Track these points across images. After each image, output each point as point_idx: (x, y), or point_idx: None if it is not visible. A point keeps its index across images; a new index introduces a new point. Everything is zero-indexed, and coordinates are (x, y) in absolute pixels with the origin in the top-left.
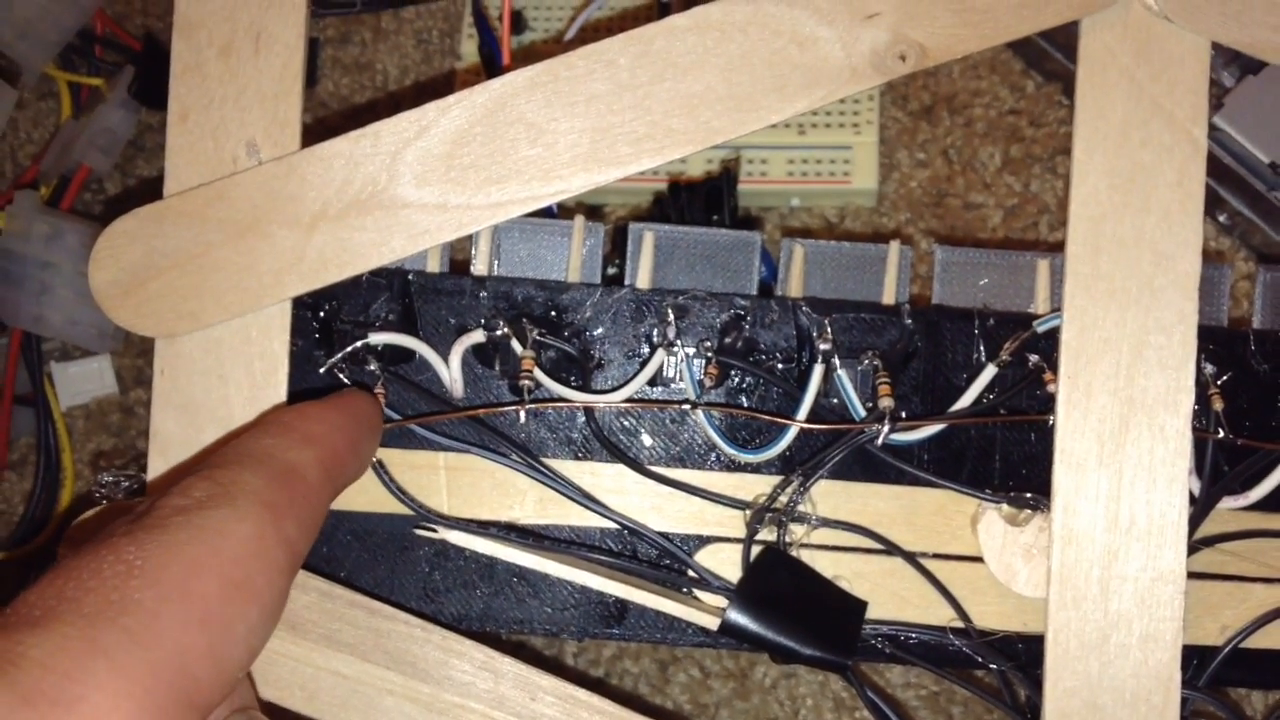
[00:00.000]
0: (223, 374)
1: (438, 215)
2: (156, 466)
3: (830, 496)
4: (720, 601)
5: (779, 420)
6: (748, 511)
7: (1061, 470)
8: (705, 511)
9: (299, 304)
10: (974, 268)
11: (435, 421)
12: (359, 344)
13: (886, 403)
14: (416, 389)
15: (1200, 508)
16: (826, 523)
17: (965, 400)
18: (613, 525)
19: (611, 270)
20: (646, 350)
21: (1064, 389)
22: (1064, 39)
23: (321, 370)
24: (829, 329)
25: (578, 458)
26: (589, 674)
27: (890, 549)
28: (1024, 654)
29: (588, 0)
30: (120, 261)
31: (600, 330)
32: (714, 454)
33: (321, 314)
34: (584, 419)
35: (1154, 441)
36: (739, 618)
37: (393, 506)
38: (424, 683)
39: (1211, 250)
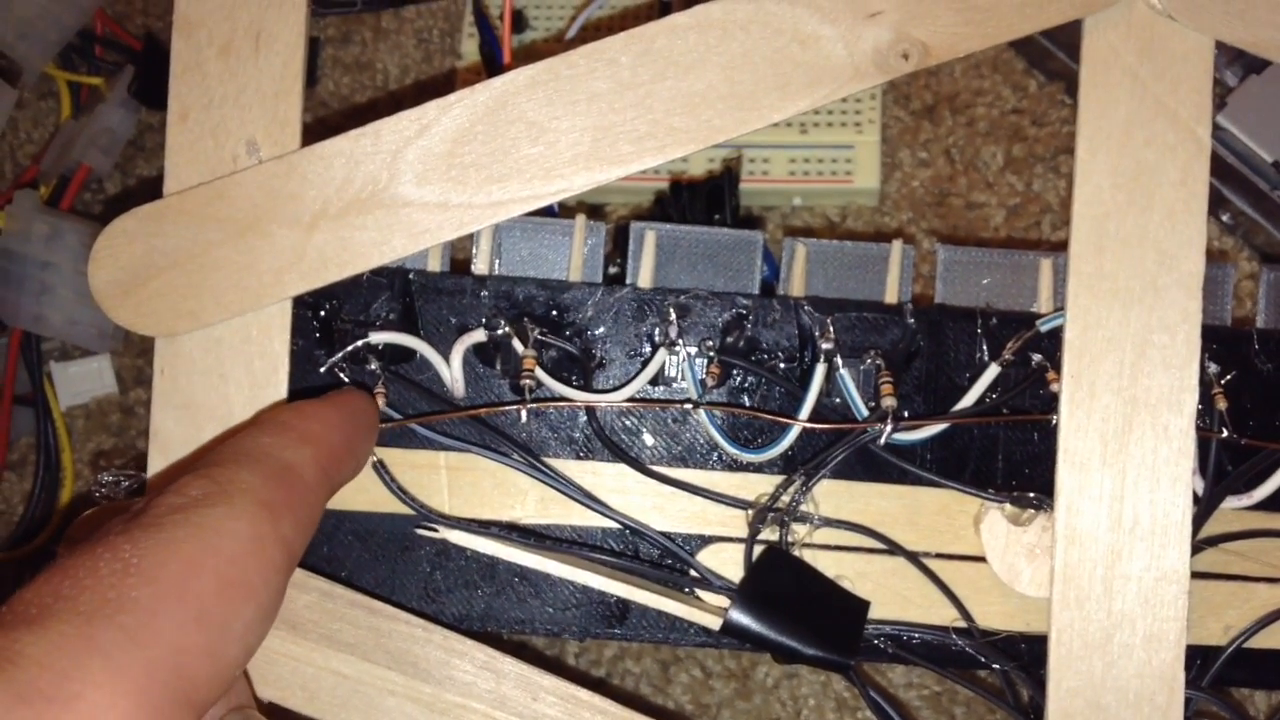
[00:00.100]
0: (223, 373)
1: (439, 214)
2: (157, 466)
3: (833, 496)
4: (722, 601)
5: (781, 420)
6: (750, 511)
7: (1065, 470)
8: (707, 511)
9: (299, 303)
10: (976, 267)
11: (436, 421)
12: (359, 343)
13: (889, 402)
14: (417, 388)
15: (1204, 507)
16: (829, 522)
17: (968, 400)
18: (614, 525)
19: (613, 269)
20: (648, 349)
21: (1067, 388)
22: (1066, 38)
23: (322, 370)
24: (831, 328)
25: (579, 457)
26: (591, 674)
27: (893, 549)
28: (1027, 654)
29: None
30: (120, 261)
31: (602, 329)
32: (716, 453)
33: (322, 313)
34: (586, 418)
35: (1158, 441)
36: (741, 618)
37: (394, 506)
38: (425, 683)
39: (1215, 250)
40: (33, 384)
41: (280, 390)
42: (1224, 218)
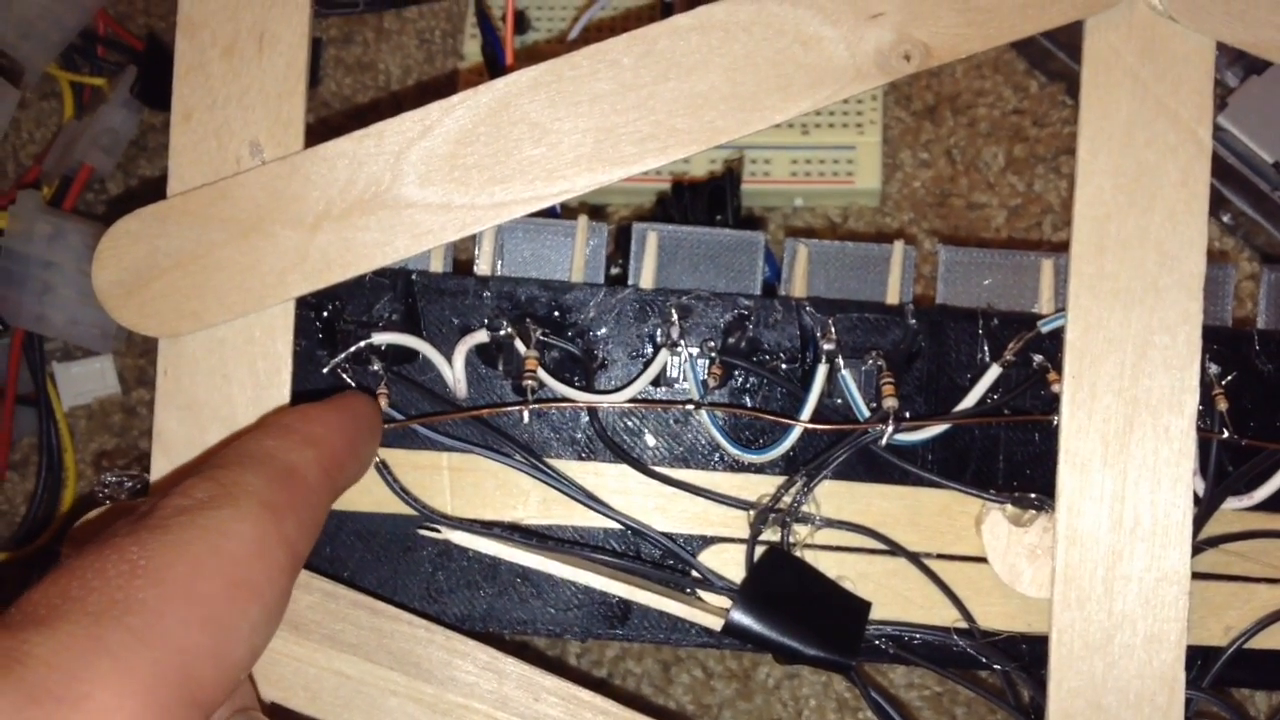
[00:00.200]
0: (226, 374)
1: (441, 215)
2: (160, 466)
3: (834, 497)
4: (724, 602)
5: (783, 420)
6: (751, 512)
7: (1066, 470)
8: (709, 512)
9: (302, 304)
10: (978, 268)
11: (438, 422)
12: (362, 344)
13: (890, 403)
14: (420, 389)
15: (1204, 508)
16: (830, 523)
17: (969, 400)
18: (616, 525)
19: (615, 270)
20: (650, 350)
21: (1068, 389)
22: (1068, 39)
23: (325, 370)
24: (833, 329)
25: (581, 458)
26: (592, 674)
27: (894, 549)
28: (1028, 654)
29: (591, 0)
30: (123, 261)
31: (604, 330)
32: (718, 454)
33: (325, 314)
34: (587, 419)
35: (1158, 442)
36: (742, 618)
37: (396, 507)
38: (427, 683)
39: (1215, 250)
40: (35, 384)
41: (283, 391)
42: (1225, 218)
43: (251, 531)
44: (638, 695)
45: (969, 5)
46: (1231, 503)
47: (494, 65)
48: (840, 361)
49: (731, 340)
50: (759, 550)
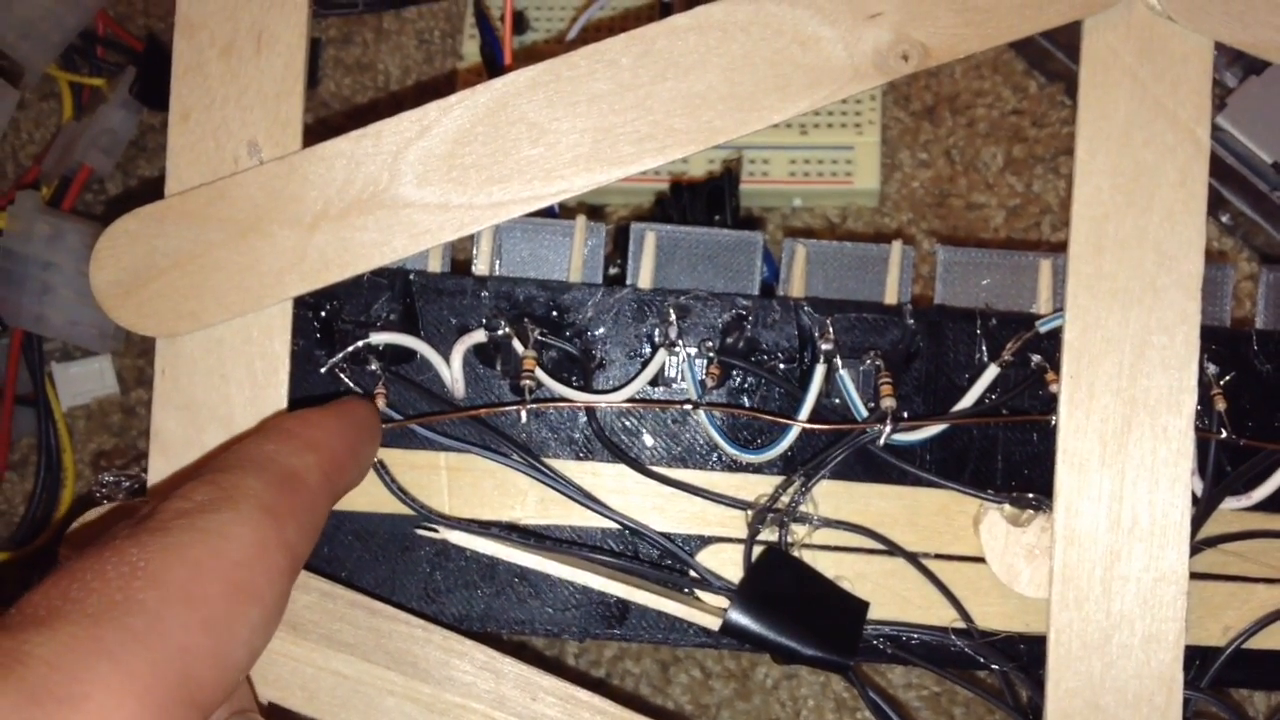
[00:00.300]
0: (224, 374)
1: (439, 215)
2: (157, 466)
3: (832, 497)
4: (722, 602)
5: (781, 420)
6: (749, 512)
7: (1064, 470)
8: (707, 512)
9: (300, 304)
10: (976, 268)
11: (436, 421)
12: (360, 344)
13: (888, 403)
14: (418, 389)
15: (1203, 508)
16: (828, 523)
17: (967, 400)
18: (614, 525)
19: (613, 270)
20: (648, 350)
21: (1066, 389)
22: (1066, 39)
23: (323, 370)
24: (831, 329)
25: (579, 458)
26: (590, 674)
27: (892, 549)
28: (1026, 654)
29: (590, 0)
30: (121, 261)
31: (602, 330)
32: (716, 454)
33: (323, 314)
34: (585, 419)
35: (1156, 442)
36: (740, 618)
37: (394, 507)
38: (425, 683)
39: (1214, 251)
40: (34, 384)
41: (281, 391)
42: (1223, 219)
43: (251, 535)
44: (636, 695)
45: (967, 5)
46: (1230, 503)
47: (492, 65)
48: (838, 361)
49: (729, 340)
50: (757, 550)
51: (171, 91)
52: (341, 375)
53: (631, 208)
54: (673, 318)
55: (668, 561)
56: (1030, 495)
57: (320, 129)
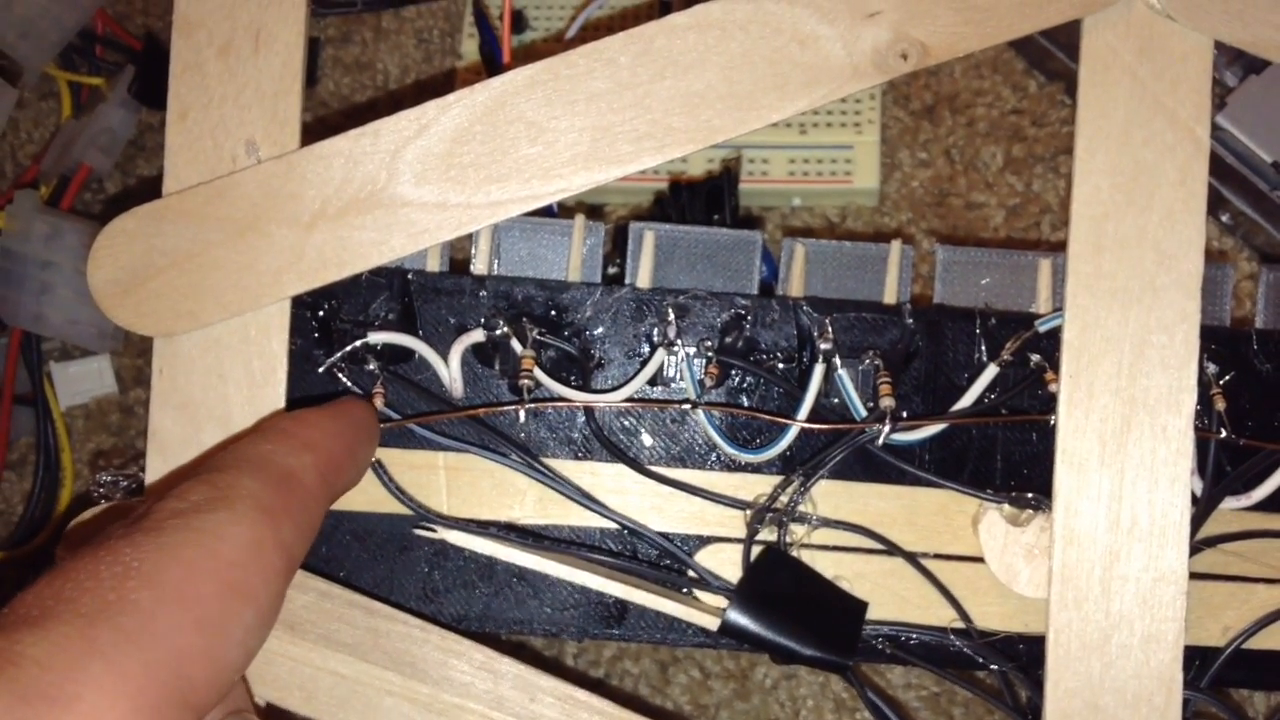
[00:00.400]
0: (222, 373)
1: (437, 214)
2: (155, 466)
3: (831, 496)
4: (720, 602)
5: (779, 420)
6: (748, 511)
7: (1063, 470)
8: (705, 511)
9: (298, 303)
10: (975, 267)
11: (435, 421)
12: (358, 343)
13: (887, 402)
14: (416, 388)
15: (1202, 508)
16: (827, 523)
17: (966, 400)
18: (613, 525)
19: (612, 269)
20: (647, 350)
21: (1066, 389)
22: (1066, 38)
23: (320, 369)
24: (830, 328)
25: (578, 457)
26: (589, 674)
27: (891, 549)
28: (1025, 655)
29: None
30: (119, 261)
31: (600, 330)
32: (714, 454)
33: (321, 313)
34: (584, 419)
35: (1156, 441)
36: (739, 618)
37: (392, 506)
38: (423, 683)
39: (1214, 250)
40: (32, 384)
41: (279, 390)
42: (1223, 218)
43: (246, 535)
44: (635, 695)
45: (966, 4)
46: (1229, 502)
47: (491, 64)
48: (837, 361)
49: (728, 340)
50: (756, 550)
51: (170, 90)
52: (339, 374)
53: (630, 207)
54: (671, 317)
55: (666, 561)
56: (1029, 495)
57: (319, 128)
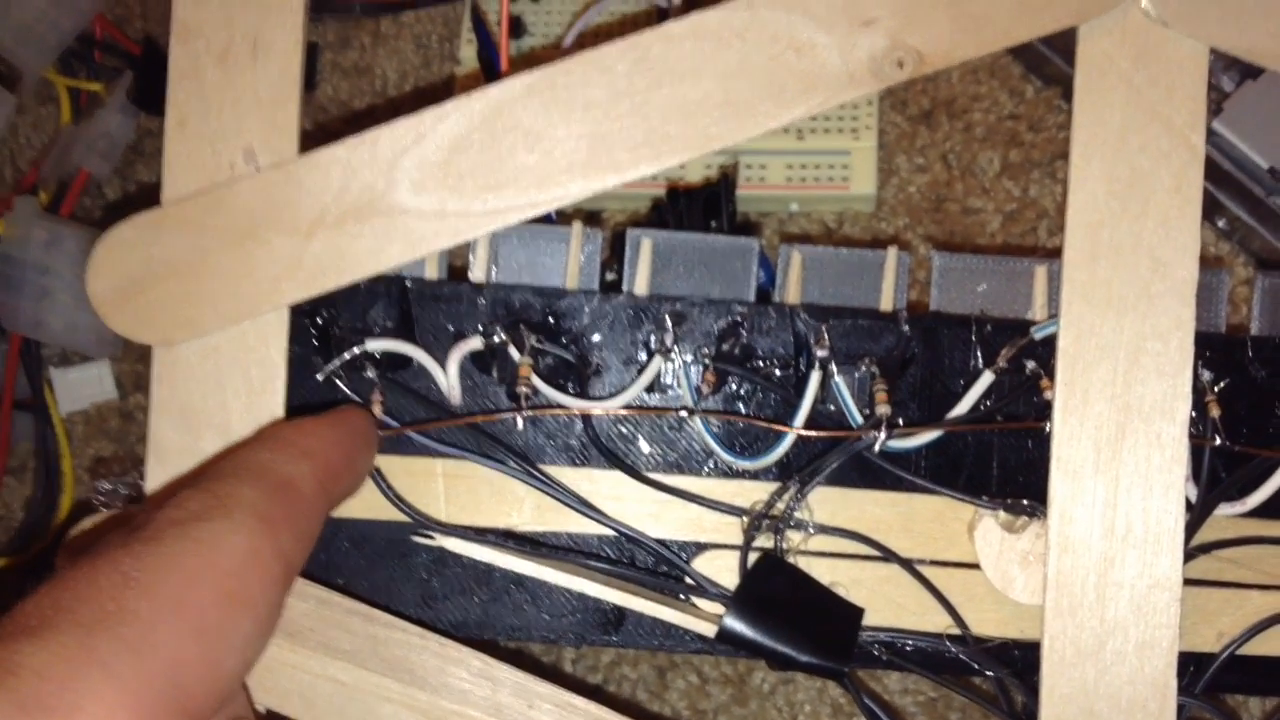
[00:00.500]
0: (220, 381)
1: (435, 222)
2: (155, 474)
3: (827, 503)
4: (717, 608)
5: (776, 427)
6: (745, 518)
7: (1058, 477)
8: (702, 518)
9: (297, 311)
10: (972, 274)
11: (433, 428)
12: (357, 351)
13: (884, 409)
14: (414, 396)
15: (1197, 514)
16: (823, 529)
17: (962, 407)
18: (610, 532)
19: (609, 276)
20: (644, 357)
21: (1061, 395)
22: (1064, 44)
23: (319, 377)
24: (826, 335)
25: (575, 465)
26: (587, 680)
27: (887, 556)
28: (1020, 661)
29: (587, 6)
30: (118, 270)
31: (598, 337)
32: (711, 461)
33: (319, 321)
34: (582, 426)
35: (1151, 448)
36: (736, 625)
37: (390, 514)
38: (421, 690)
39: (1210, 256)
40: (32, 389)
41: (278, 398)
42: (1220, 224)
43: (245, 543)
44: (633, 701)
45: (962, 12)
46: (1224, 509)
47: (489, 70)
48: (834, 368)
49: (725, 347)
50: (752, 557)
51: (168, 98)
52: (338, 382)
53: (628, 213)
54: (669, 324)
55: (663, 568)
56: (1025, 502)
57: (318, 133)
